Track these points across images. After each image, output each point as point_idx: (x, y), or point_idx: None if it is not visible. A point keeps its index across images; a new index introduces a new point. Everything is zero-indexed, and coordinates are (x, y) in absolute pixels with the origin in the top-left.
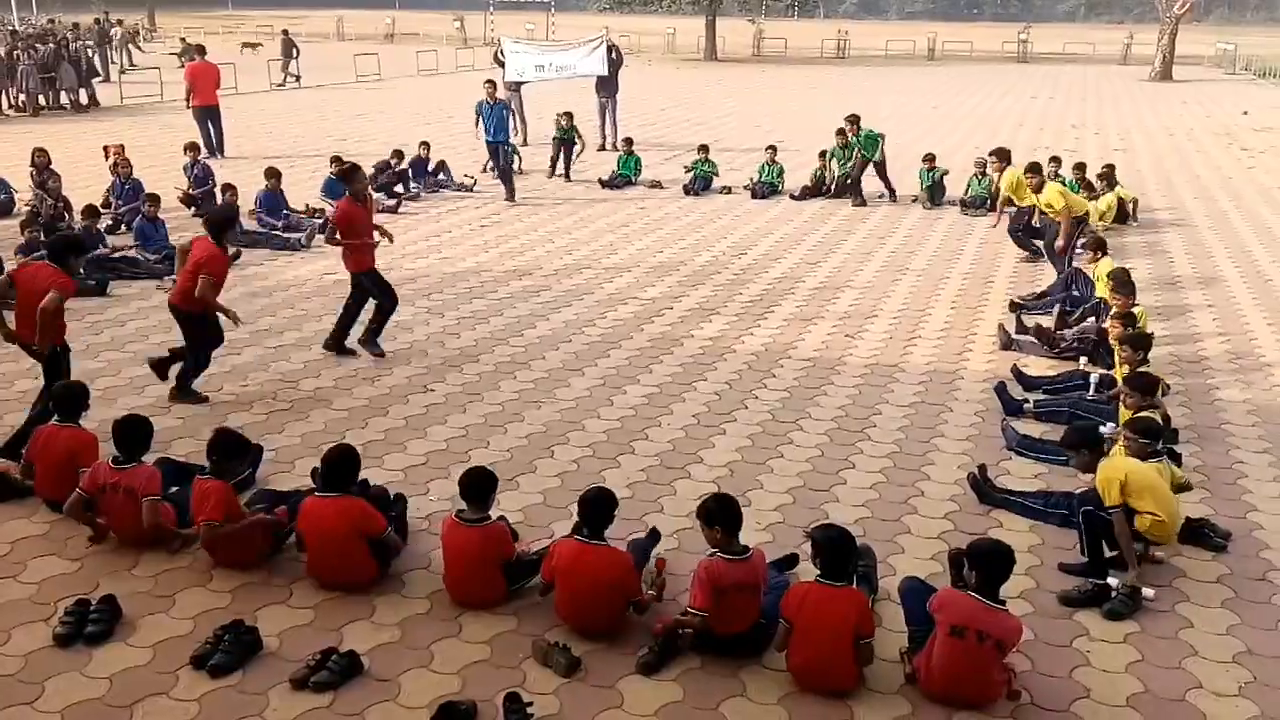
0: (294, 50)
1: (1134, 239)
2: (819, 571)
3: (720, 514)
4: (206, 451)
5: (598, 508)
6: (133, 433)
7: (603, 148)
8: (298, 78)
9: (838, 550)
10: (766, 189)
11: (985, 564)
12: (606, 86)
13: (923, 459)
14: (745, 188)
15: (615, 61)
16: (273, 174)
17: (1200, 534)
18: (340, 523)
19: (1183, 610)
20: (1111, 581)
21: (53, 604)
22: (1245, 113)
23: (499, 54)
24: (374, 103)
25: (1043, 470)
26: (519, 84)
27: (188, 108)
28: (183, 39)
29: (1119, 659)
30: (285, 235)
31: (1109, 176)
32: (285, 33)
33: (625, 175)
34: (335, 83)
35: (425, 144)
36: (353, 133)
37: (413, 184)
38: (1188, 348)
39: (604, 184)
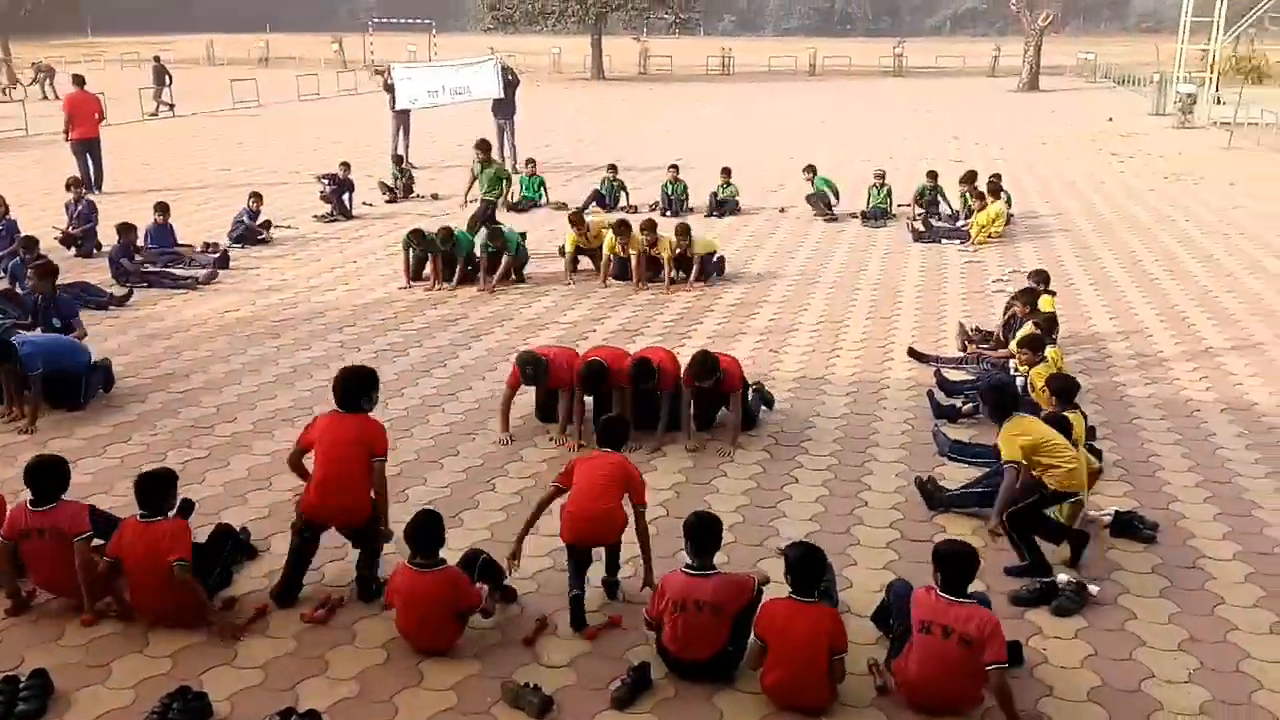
0: (166, 77)
1: (1025, 245)
2: (790, 588)
3: (689, 530)
4: (137, 493)
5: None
6: (48, 473)
7: None
8: (171, 106)
9: (809, 566)
10: (677, 205)
11: (948, 565)
12: (503, 109)
13: (861, 469)
14: (652, 206)
15: (511, 83)
16: (161, 208)
17: (1130, 526)
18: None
19: (1125, 603)
20: (1060, 579)
21: None
22: (1110, 119)
23: (387, 81)
24: (255, 130)
25: (976, 474)
26: (408, 110)
27: (66, 140)
28: (35, 64)
29: (1074, 654)
30: (179, 274)
31: (996, 185)
32: (157, 59)
33: (530, 198)
34: (211, 110)
35: (345, 164)
36: (236, 162)
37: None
38: (1091, 348)
39: (510, 208)
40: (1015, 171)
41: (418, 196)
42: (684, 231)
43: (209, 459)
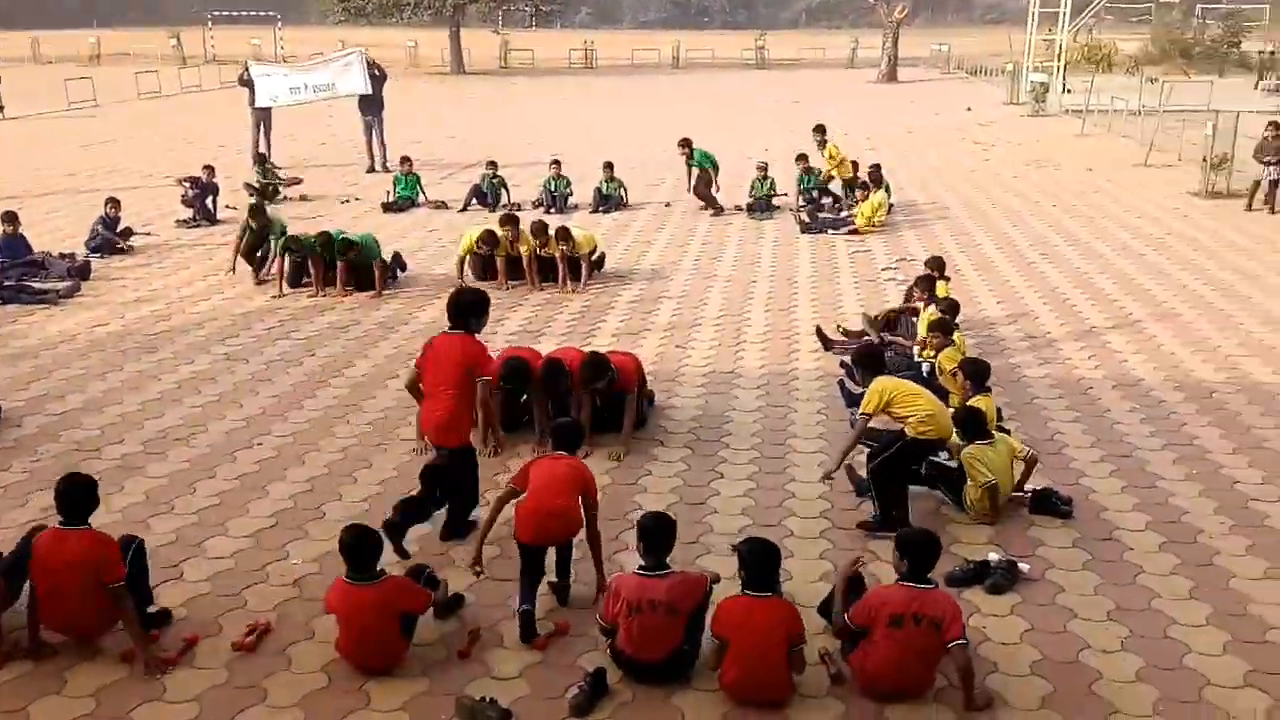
0: None
1: (907, 233)
2: (744, 584)
3: (643, 531)
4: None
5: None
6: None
7: (371, 169)
8: (1, 108)
9: (764, 560)
10: (561, 202)
11: (913, 552)
12: (371, 105)
13: (784, 460)
14: (535, 204)
15: (378, 78)
16: (9, 218)
17: (1047, 503)
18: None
19: (1053, 577)
20: (991, 557)
21: None
22: (969, 109)
23: (244, 76)
24: (97, 132)
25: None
26: (268, 108)
27: None
28: None
29: (1013, 630)
30: (38, 288)
31: (877, 176)
32: None
33: (408, 196)
34: (44, 111)
35: (209, 168)
36: (81, 167)
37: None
38: (984, 332)
39: (386, 208)
40: (887, 161)
41: (285, 198)
42: (564, 236)
43: (101, 483)
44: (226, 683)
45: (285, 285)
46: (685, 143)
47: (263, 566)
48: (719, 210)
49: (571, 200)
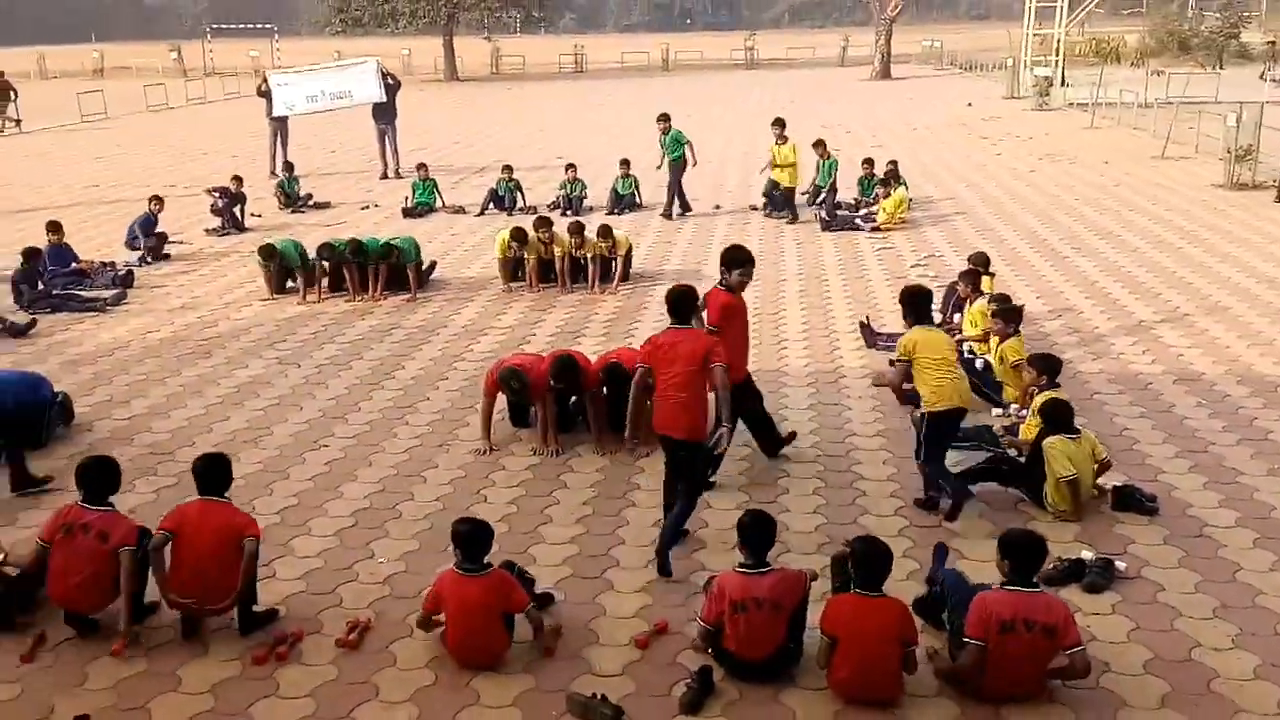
0: (11, 93)
1: (930, 230)
2: (857, 583)
3: (743, 529)
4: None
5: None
6: (101, 471)
7: (385, 175)
8: (18, 122)
9: (877, 560)
10: (577, 204)
11: (1018, 554)
12: (384, 113)
13: (848, 458)
14: (551, 206)
15: (392, 86)
16: (54, 228)
17: (1131, 500)
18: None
19: (1150, 575)
20: (1085, 555)
21: None
22: (969, 104)
23: (262, 88)
24: (111, 144)
25: (961, 457)
26: (285, 117)
27: None
28: None
29: (1118, 630)
30: (86, 296)
31: (894, 172)
32: (1, 74)
33: (425, 202)
34: (59, 125)
35: (238, 178)
36: (102, 178)
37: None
38: (1028, 328)
39: (406, 213)
40: (898, 158)
41: (308, 207)
42: (606, 234)
43: (179, 486)
44: (337, 679)
45: (321, 292)
46: (664, 118)
47: (350, 565)
48: (686, 207)
49: (586, 202)
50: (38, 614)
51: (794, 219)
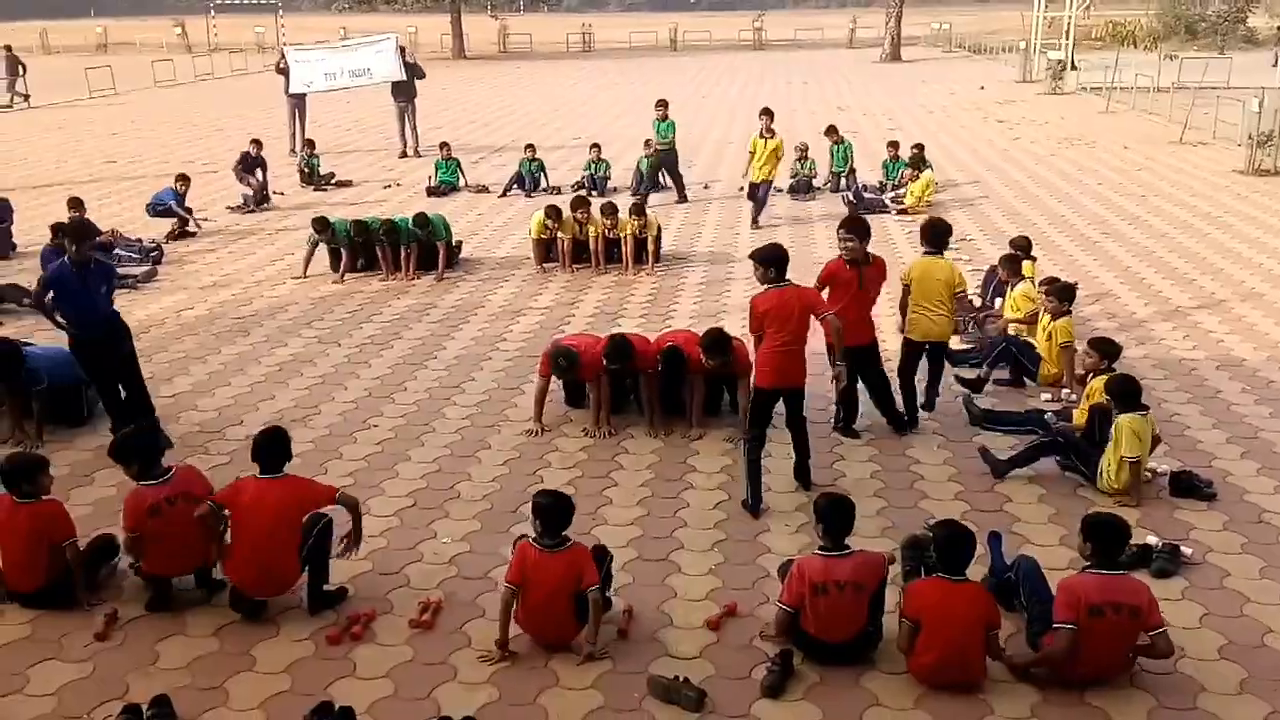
0: (20, 67)
1: (957, 213)
2: (939, 567)
3: (821, 513)
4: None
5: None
6: (146, 445)
7: (404, 154)
8: (26, 96)
9: (961, 545)
10: (601, 184)
11: (1103, 536)
12: (404, 91)
13: (902, 442)
14: (574, 186)
15: (411, 65)
16: (75, 204)
17: (1190, 487)
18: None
19: (1215, 560)
20: (1150, 540)
21: (85, 718)
22: (982, 88)
23: (281, 65)
24: (122, 119)
25: (1015, 442)
26: (303, 94)
27: None
28: None
29: (1190, 615)
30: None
31: (920, 156)
32: (8, 48)
33: (449, 182)
34: (68, 100)
35: (256, 141)
36: (118, 153)
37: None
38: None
39: (430, 192)
40: (917, 140)
41: (331, 186)
42: (639, 211)
43: (233, 464)
44: (414, 659)
45: (346, 272)
46: (662, 104)
47: (415, 545)
48: (682, 196)
49: (610, 183)
50: (105, 593)
51: (756, 221)
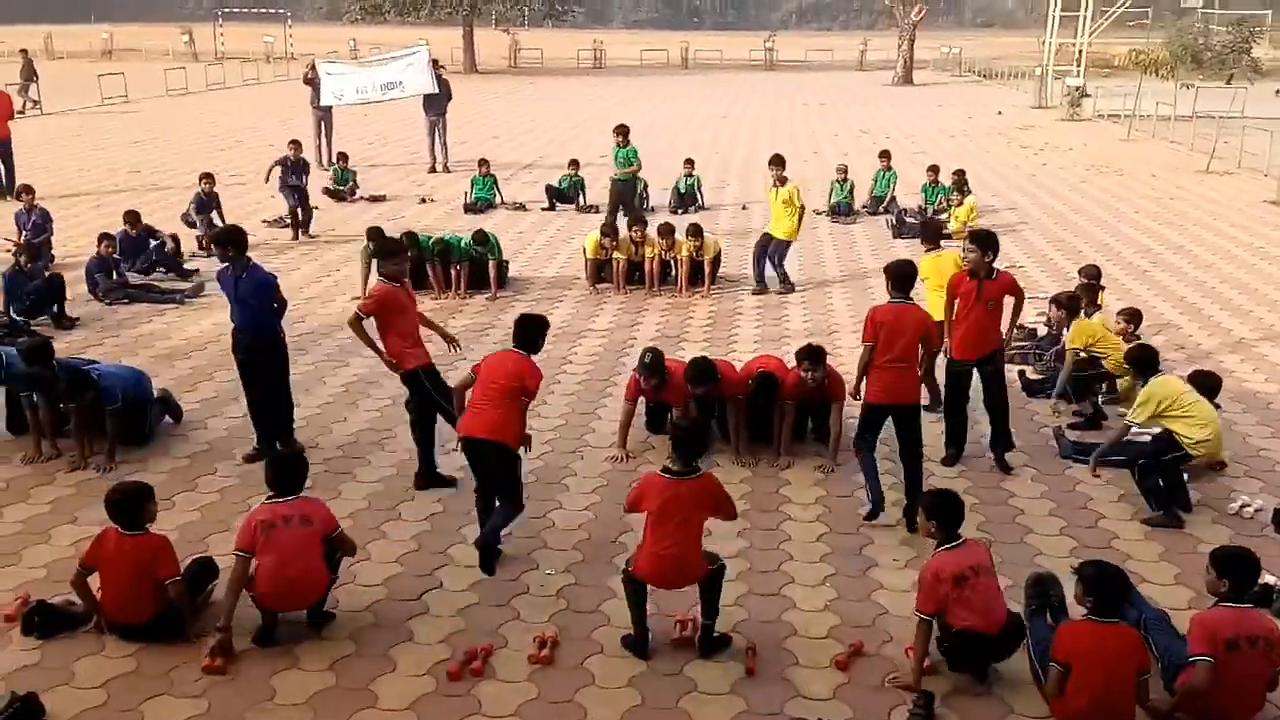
0: (34, 74)
1: (1002, 240)
2: (1090, 610)
3: (935, 509)
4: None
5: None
6: (291, 468)
7: (433, 169)
8: (37, 103)
9: (1113, 586)
10: (641, 202)
11: (1235, 569)
12: (436, 105)
13: (996, 476)
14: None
15: (444, 79)
16: (132, 217)
17: None
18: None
19: None
20: (1269, 580)
21: None
22: (999, 113)
23: (308, 75)
24: (140, 127)
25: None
26: (330, 107)
27: None
28: None
29: None
30: (164, 288)
31: (962, 181)
32: (24, 52)
33: (485, 199)
34: (81, 107)
35: (296, 143)
36: (143, 162)
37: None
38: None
39: (468, 209)
40: (943, 165)
41: (362, 198)
42: (696, 233)
43: (316, 489)
44: (539, 697)
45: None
46: (622, 130)
47: (517, 576)
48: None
49: (649, 203)
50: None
51: (789, 286)
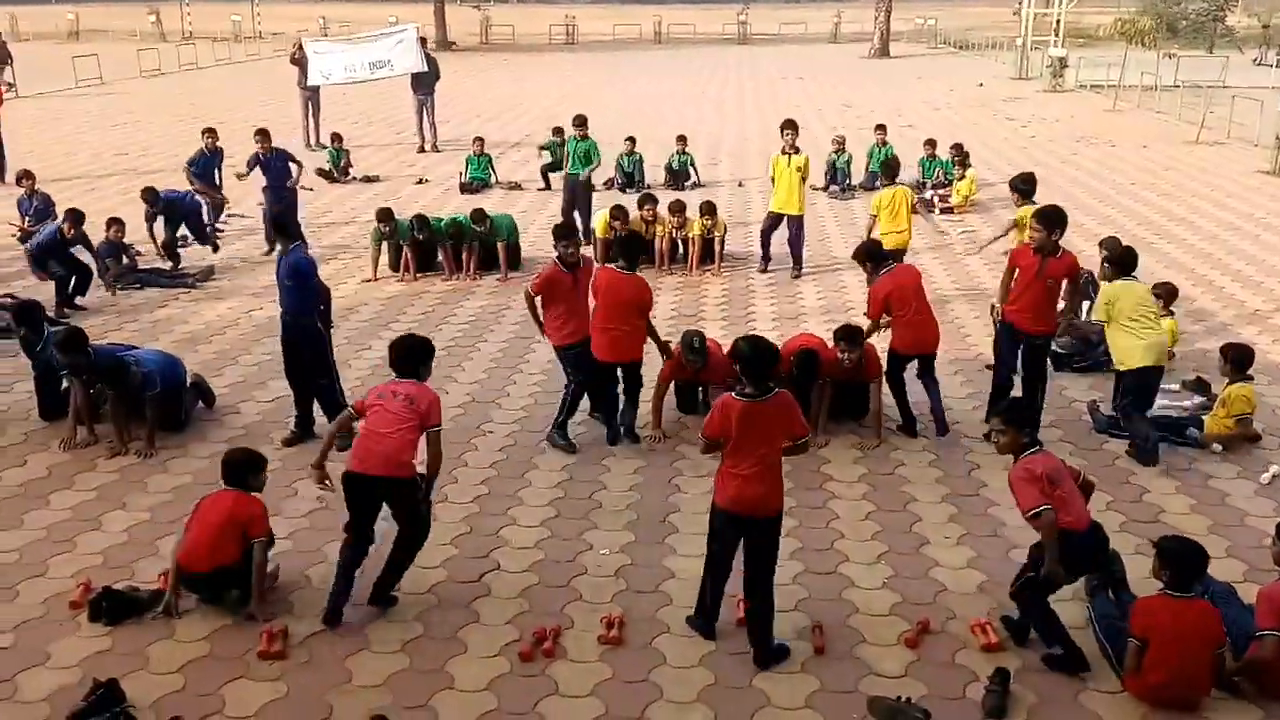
0: (8, 56)
1: (1003, 213)
2: (1166, 584)
3: (1011, 414)
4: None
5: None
6: (412, 350)
7: (422, 149)
8: (12, 86)
9: (1191, 561)
10: (638, 180)
11: None
12: (425, 84)
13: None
14: (607, 184)
15: (431, 57)
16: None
17: None
18: None
19: None
20: None
21: None
22: (980, 84)
23: (295, 55)
24: (119, 110)
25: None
26: (318, 87)
27: None
28: None
29: None
30: (173, 273)
31: (962, 154)
32: None
33: (481, 178)
34: (55, 90)
35: (263, 131)
36: (128, 145)
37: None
38: None
39: (464, 189)
40: (932, 138)
41: (355, 179)
42: (710, 211)
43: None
44: (614, 677)
45: (414, 271)
46: (581, 121)
47: (575, 557)
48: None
49: (643, 178)
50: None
51: (799, 270)
